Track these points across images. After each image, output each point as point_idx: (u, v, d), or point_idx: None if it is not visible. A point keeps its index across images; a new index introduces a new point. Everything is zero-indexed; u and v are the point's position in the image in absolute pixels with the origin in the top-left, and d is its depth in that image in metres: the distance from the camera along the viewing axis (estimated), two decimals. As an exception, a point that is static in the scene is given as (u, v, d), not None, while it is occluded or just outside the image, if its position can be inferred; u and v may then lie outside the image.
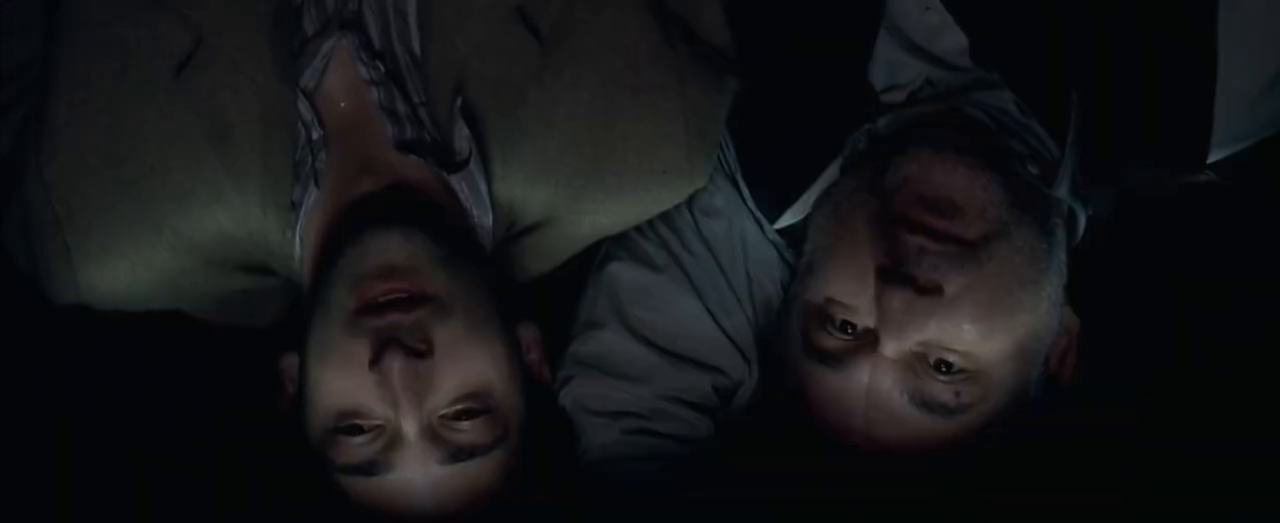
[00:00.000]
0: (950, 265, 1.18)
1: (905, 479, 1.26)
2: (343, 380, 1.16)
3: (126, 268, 1.27)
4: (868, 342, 1.20)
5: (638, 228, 1.37)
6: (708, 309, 1.35)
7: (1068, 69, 1.27)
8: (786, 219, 1.33)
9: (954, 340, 1.18)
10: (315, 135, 1.26)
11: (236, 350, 1.36)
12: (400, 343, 1.14)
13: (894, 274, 1.18)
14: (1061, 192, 1.25)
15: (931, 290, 1.17)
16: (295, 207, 1.26)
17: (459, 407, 1.17)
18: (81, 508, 1.30)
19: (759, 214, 1.35)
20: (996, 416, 1.23)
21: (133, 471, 1.33)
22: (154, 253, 1.27)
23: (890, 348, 1.19)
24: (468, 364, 1.17)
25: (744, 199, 1.36)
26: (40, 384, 1.39)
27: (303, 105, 1.27)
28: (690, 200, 1.35)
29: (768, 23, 1.36)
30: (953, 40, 1.31)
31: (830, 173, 1.30)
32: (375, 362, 1.14)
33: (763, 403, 1.37)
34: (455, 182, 1.26)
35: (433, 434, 1.16)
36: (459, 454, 1.16)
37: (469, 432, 1.17)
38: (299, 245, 1.27)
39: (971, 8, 1.28)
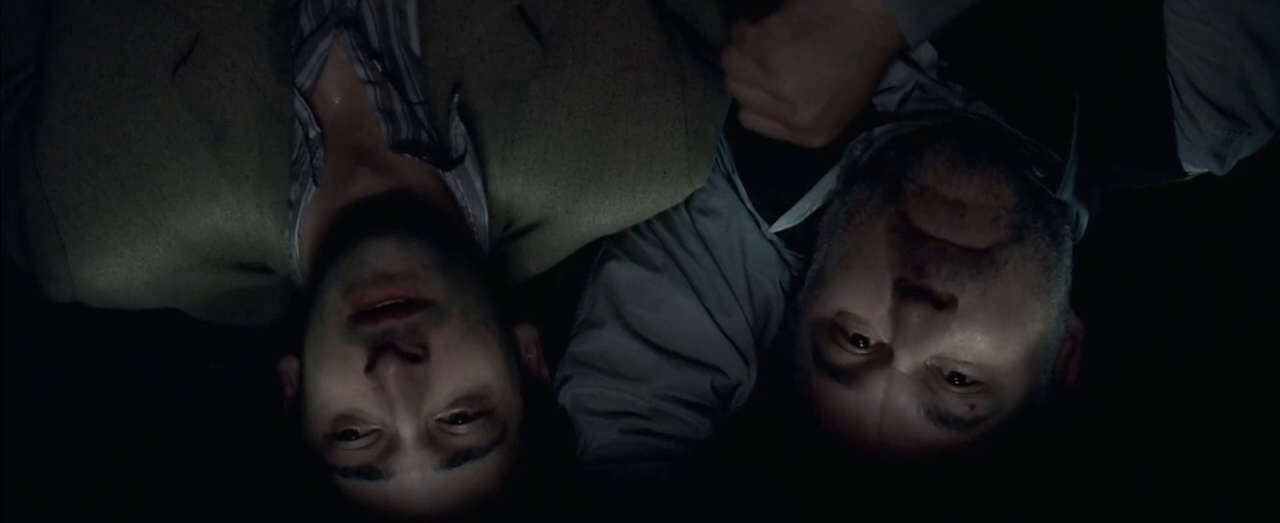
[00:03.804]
0: (967, 273, 1.17)
1: (904, 481, 1.25)
2: (339, 386, 1.16)
3: (122, 266, 1.27)
4: (882, 357, 1.19)
5: (636, 228, 1.36)
6: (706, 309, 1.35)
7: (1060, 78, 1.25)
8: (781, 225, 1.32)
9: (967, 352, 1.17)
10: (313, 134, 1.26)
11: (236, 351, 1.36)
12: (395, 348, 1.14)
13: (913, 289, 1.17)
14: (1066, 195, 1.24)
15: (948, 304, 1.17)
16: (293, 205, 1.26)
17: (456, 410, 1.17)
18: (82, 508, 1.31)
19: (757, 214, 1.34)
20: (1007, 425, 1.22)
21: (134, 470, 1.33)
22: (150, 251, 1.26)
23: (904, 363, 1.18)
24: (464, 368, 1.17)
25: (742, 199, 1.36)
26: (40, 384, 1.39)
27: (299, 104, 1.26)
28: (688, 200, 1.35)
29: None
30: (926, 53, 1.28)
31: (826, 181, 1.30)
32: (370, 367, 1.14)
33: (762, 404, 1.36)
34: (450, 179, 1.26)
35: (430, 438, 1.16)
36: (457, 458, 1.16)
37: (467, 435, 1.17)
38: (297, 244, 1.27)
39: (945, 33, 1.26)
